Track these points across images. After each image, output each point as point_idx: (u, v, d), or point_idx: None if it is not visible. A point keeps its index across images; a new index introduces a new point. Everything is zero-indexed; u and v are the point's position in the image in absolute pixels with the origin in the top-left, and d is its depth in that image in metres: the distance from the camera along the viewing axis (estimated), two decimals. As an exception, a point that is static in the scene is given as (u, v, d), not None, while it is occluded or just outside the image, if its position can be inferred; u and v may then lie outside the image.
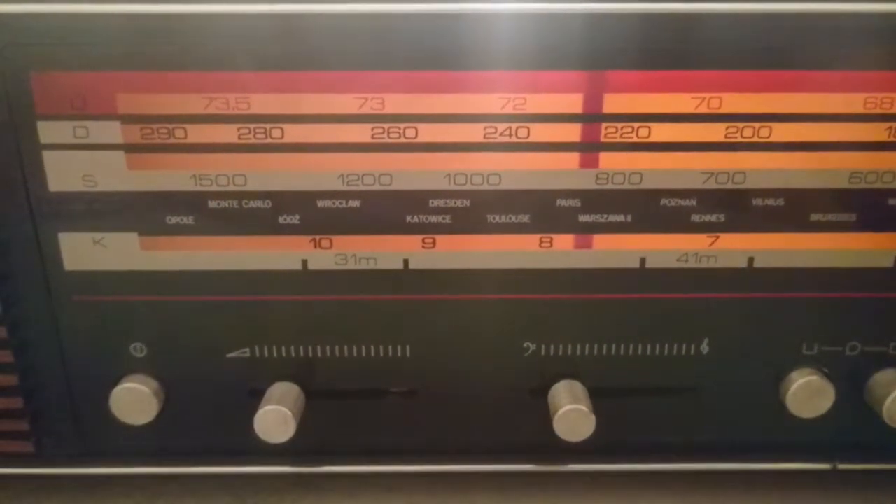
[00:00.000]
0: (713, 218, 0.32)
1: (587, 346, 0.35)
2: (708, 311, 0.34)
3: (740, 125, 0.31)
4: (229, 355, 0.34)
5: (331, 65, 0.30)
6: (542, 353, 0.35)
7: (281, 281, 0.33)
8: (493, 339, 0.34)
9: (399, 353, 0.35)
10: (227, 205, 0.32)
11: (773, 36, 0.29)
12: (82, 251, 0.32)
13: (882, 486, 0.37)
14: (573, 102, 0.30)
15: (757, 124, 0.31)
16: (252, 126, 0.30)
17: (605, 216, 0.32)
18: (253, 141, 0.31)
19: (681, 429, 0.36)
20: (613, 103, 0.30)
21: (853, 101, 0.30)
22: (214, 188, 0.31)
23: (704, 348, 0.35)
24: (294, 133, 0.31)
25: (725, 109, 0.30)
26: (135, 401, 0.34)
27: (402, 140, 0.31)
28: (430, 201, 0.32)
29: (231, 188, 0.31)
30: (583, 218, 0.32)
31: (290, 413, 0.33)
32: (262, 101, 0.30)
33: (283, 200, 0.32)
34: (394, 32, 0.29)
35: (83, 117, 0.30)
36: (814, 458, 0.37)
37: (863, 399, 0.35)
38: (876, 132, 0.31)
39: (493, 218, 0.32)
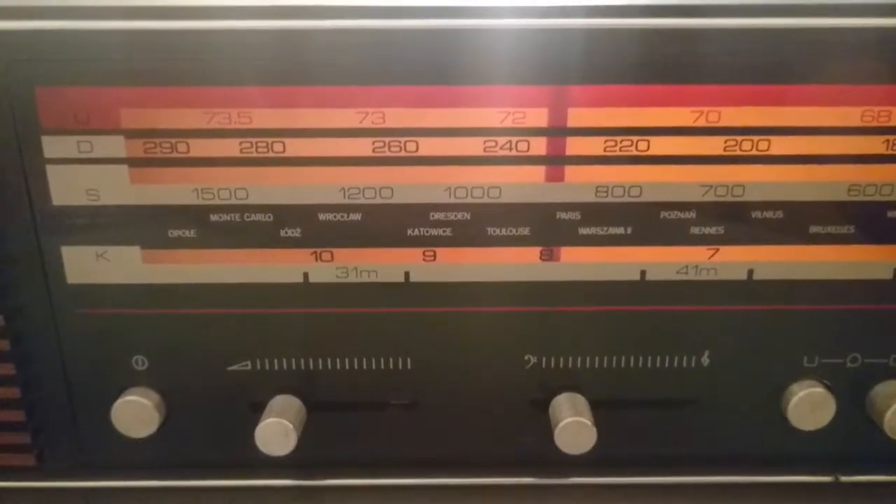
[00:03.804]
0: (713, 230, 0.32)
1: (588, 359, 0.35)
2: (708, 324, 0.34)
3: (739, 138, 0.31)
4: (230, 368, 0.34)
5: (332, 79, 0.30)
6: (543, 365, 0.35)
7: (282, 294, 0.33)
8: (493, 352, 0.34)
9: (400, 366, 0.35)
10: (228, 218, 0.32)
11: (772, 50, 0.30)
12: (85, 264, 0.32)
13: (884, 497, 0.37)
14: (573, 116, 0.31)
15: (755, 137, 0.31)
16: (254, 140, 0.31)
17: (605, 229, 0.32)
18: (255, 155, 0.31)
19: (682, 441, 0.36)
20: (611, 117, 0.30)
21: (850, 115, 0.30)
22: (216, 202, 0.32)
23: (705, 361, 0.35)
24: (295, 147, 0.31)
25: (724, 123, 0.31)
26: (136, 413, 0.34)
27: (403, 154, 0.31)
28: (431, 214, 0.32)
29: (233, 202, 0.32)
30: (583, 231, 0.32)
31: (290, 426, 0.33)
32: (264, 115, 0.30)
33: (285, 214, 0.32)
34: (394, 47, 0.30)
35: (87, 132, 0.30)
36: (815, 470, 0.37)
37: (864, 411, 0.35)
38: (874, 145, 0.31)
39: (494, 231, 0.32)
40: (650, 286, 0.33)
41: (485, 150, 0.31)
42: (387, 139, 0.31)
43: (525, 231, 0.32)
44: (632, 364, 0.35)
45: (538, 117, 0.30)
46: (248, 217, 0.32)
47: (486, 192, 0.32)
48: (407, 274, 0.33)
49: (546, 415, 0.34)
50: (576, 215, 0.32)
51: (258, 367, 0.34)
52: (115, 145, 0.31)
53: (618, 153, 0.31)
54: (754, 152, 0.31)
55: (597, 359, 0.35)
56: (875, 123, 0.30)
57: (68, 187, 0.31)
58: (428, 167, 0.31)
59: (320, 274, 0.33)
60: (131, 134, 0.30)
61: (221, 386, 0.35)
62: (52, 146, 0.31)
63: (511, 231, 0.32)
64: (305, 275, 0.33)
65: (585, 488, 0.37)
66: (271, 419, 0.33)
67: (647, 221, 0.32)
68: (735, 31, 0.29)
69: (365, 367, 0.35)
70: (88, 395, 0.35)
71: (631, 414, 0.36)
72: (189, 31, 0.29)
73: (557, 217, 0.32)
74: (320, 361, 0.34)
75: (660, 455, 0.37)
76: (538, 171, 0.31)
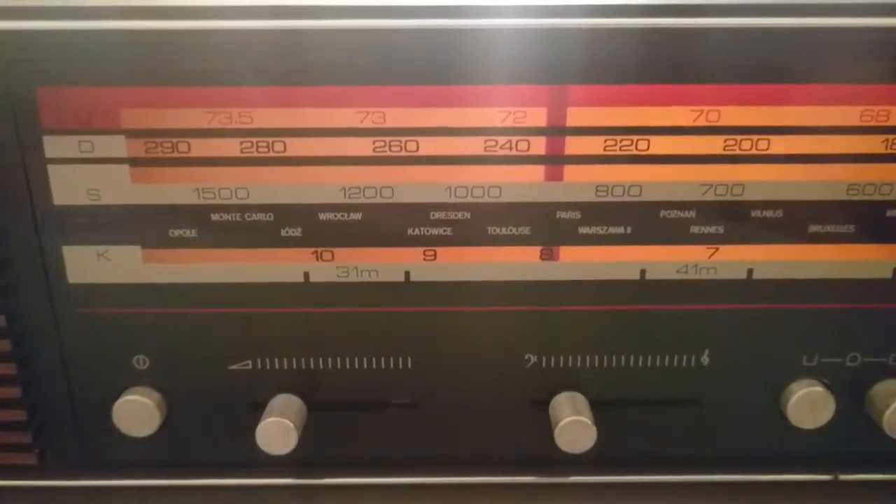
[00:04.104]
0: (712, 230, 0.32)
1: (588, 358, 0.35)
2: (708, 323, 0.34)
3: (738, 138, 0.31)
4: (231, 367, 0.35)
5: (332, 79, 0.30)
6: (543, 364, 0.35)
7: (283, 293, 0.33)
8: (494, 351, 0.34)
9: (400, 365, 0.35)
10: (229, 218, 0.32)
11: (771, 50, 0.30)
12: (86, 264, 0.32)
13: (883, 496, 0.37)
14: (573, 116, 0.31)
15: (755, 137, 0.31)
16: (255, 140, 0.31)
17: (605, 228, 0.32)
18: (255, 155, 0.31)
19: (682, 440, 0.36)
20: (611, 116, 0.31)
21: (850, 114, 0.30)
22: (217, 201, 0.32)
23: (705, 360, 0.35)
24: (296, 147, 0.31)
25: (724, 122, 0.31)
26: (137, 413, 0.34)
27: (404, 153, 0.31)
28: (431, 214, 0.32)
29: (234, 201, 0.32)
30: (583, 230, 0.32)
31: (291, 425, 0.33)
32: (265, 115, 0.30)
33: (286, 213, 0.32)
34: (394, 47, 0.30)
35: (88, 132, 0.30)
36: (815, 469, 0.37)
37: (863, 410, 0.35)
38: (873, 144, 0.31)
39: (494, 230, 0.32)
40: (650, 285, 0.33)
41: (485, 150, 0.31)
42: (387, 139, 0.31)
43: (525, 230, 0.32)
44: (632, 363, 0.35)
45: (538, 117, 0.31)
46: (248, 217, 0.32)
47: (486, 191, 0.32)
48: (407, 273, 0.33)
49: (546, 414, 0.35)
50: (576, 215, 0.32)
51: (259, 366, 0.35)
52: (116, 145, 0.31)
53: (617, 153, 0.31)
54: (754, 152, 0.31)
55: (597, 358, 0.35)
56: (874, 123, 0.31)
57: (69, 187, 0.31)
58: (428, 167, 0.31)
59: (321, 273, 0.33)
60: (132, 134, 0.31)
61: (222, 385, 0.35)
62: (53, 146, 0.31)
63: (511, 230, 0.32)
64: (306, 274, 0.33)
65: (585, 487, 0.37)
66: (272, 418, 0.33)
67: (646, 221, 0.32)
68: (735, 31, 0.29)
69: (365, 366, 0.35)
70: (89, 394, 0.35)
71: (631, 413, 0.36)
72: (189, 31, 0.29)
73: (557, 216, 0.32)
74: (321, 361, 0.35)
75: (660, 454, 0.37)
76: (538, 171, 0.31)
